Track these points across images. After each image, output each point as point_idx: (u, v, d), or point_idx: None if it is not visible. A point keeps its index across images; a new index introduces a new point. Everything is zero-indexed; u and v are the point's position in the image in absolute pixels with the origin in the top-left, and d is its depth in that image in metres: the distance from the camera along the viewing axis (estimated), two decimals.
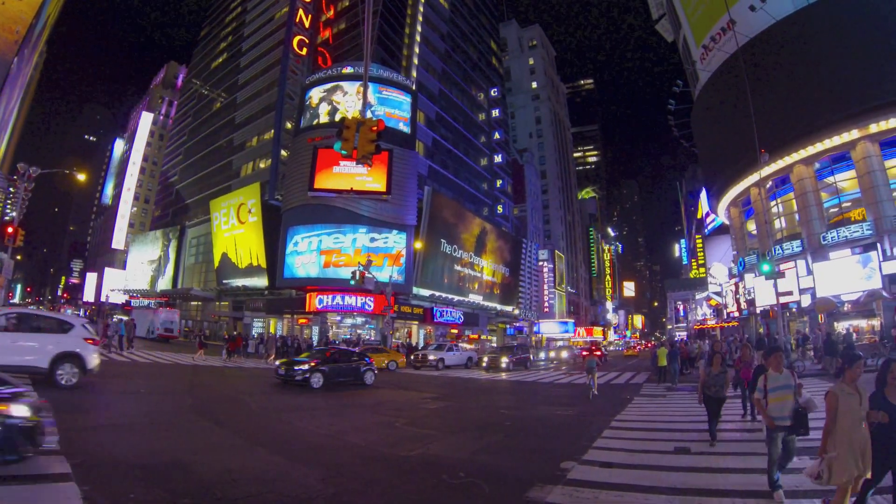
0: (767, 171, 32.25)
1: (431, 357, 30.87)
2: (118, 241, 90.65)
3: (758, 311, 36.74)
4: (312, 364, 17.71)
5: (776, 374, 6.24)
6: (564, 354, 42.86)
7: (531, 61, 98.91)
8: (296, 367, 17.64)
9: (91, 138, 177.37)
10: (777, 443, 6.05)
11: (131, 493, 5.50)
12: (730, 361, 23.68)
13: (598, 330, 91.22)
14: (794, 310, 33.04)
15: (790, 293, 31.09)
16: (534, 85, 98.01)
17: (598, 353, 36.91)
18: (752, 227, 39.47)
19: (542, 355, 42.24)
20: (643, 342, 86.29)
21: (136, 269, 71.68)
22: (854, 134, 29.01)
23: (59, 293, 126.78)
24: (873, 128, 28.30)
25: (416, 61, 52.82)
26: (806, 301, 31.36)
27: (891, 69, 27.40)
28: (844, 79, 28.72)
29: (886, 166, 28.73)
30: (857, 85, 28.30)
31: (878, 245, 27.79)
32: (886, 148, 28.76)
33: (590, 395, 17.21)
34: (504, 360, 31.38)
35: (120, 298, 71.64)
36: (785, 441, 6.13)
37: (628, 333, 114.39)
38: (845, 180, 30.92)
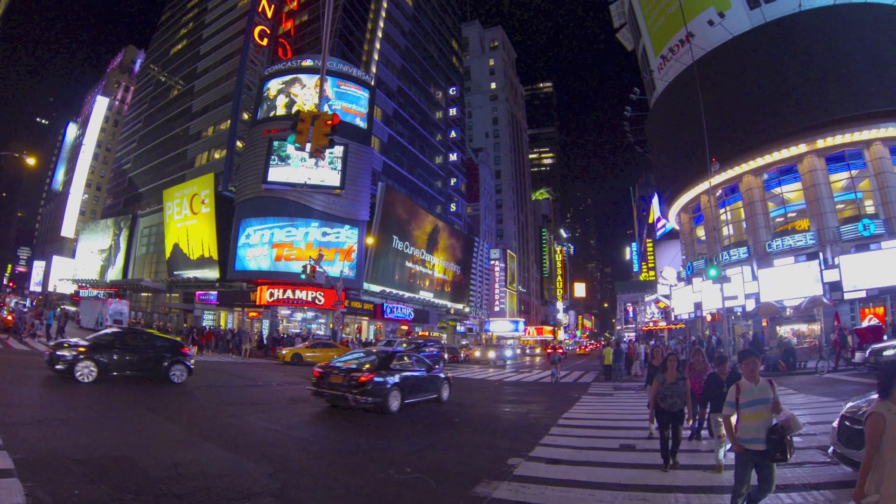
0: (718, 179, 32.55)
1: None
2: (68, 228, 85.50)
3: (705, 314, 36.97)
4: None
5: (750, 386, 5.02)
6: (491, 354, 38.36)
7: (491, 62, 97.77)
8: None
9: (43, 121, 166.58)
10: (747, 471, 4.89)
11: (75, 489, 5.19)
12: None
13: (548, 329, 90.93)
14: (738, 313, 33.27)
15: (735, 297, 31.12)
16: (493, 85, 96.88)
17: (561, 350, 42.42)
18: (701, 233, 39.66)
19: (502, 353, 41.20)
20: (593, 342, 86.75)
21: (86, 259, 67.40)
22: (802, 148, 29.61)
23: (5, 282, 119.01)
24: (820, 143, 29.10)
25: (376, 57, 51.04)
26: (750, 305, 31.63)
27: (838, 90, 28.18)
28: (795, 96, 29.31)
29: (831, 180, 29.48)
30: (806, 102, 28.92)
31: (821, 254, 28.38)
32: (831, 163, 29.57)
33: (553, 380, 21.29)
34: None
35: (69, 288, 67.47)
36: (760, 468, 4.89)
37: (578, 333, 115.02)
38: (791, 192, 31.36)
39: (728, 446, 5.77)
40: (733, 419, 5.07)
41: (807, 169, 29.59)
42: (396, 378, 11.83)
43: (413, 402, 12.57)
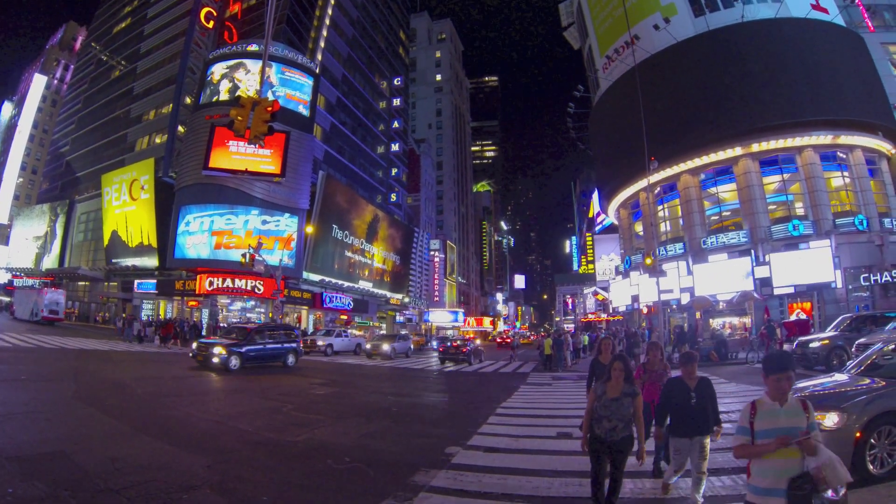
0: (656, 177, 32.10)
1: (320, 342, 28.48)
2: (1, 214, 77.57)
3: (642, 306, 36.70)
4: None
5: (773, 406, 3.11)
6: (385, 347, 28.54)
7: (438, 54, 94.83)
8: None
9: None
10: None
11: (10, 486, 4.84)
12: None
13: (488, 320, 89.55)
14: (674, 306, 33.12)
15: (671, 291, 30.71)
16: (438, 77, 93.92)
17: (510, 340, 42.96)
18: (639, 228, 39.21)
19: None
20: (533, 333, 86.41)
21: (20, 246, 61.04)
22: (737, 151, 29.52)
23: None
24: (755, 147, 29.18)
25: (322, 45, 47.79)
26: (685, 299, 31.39)
27: (774, 98, 28.18)
28: (733, 101, 29.11)
29: (764, 182, 29.68)
30: (743, 108, 28.83)
31: (752, 252, 28.64)
32: (765, 166, 29.70)
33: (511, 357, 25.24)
34: (385, 347, 28.11)
35: (2, 277, 60.97)
36: None
37: (518, 324, 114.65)
38: (727, 192, 31.25)
39: (703, 487, 5.04)
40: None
41: (742, 171, 29.47)
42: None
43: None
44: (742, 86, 28.74)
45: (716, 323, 31.04)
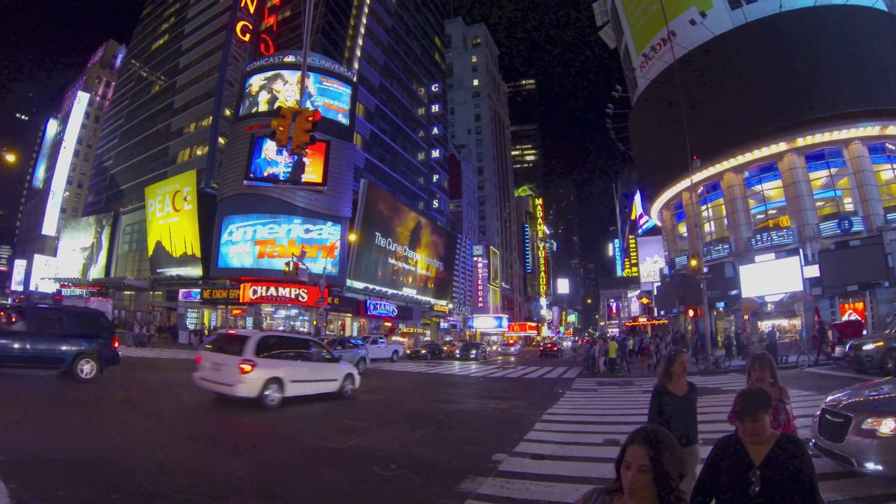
0: (699, 177, 32.38)
1: None
2: (49, 226, 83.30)
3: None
4: None
5: None
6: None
7: (474, 59, 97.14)
8: None
9: (22, 117, 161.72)
10: None
11: (59, 490, 5.10)
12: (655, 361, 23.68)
13: (531, 325, 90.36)
14: (720, 309, 33.18)
15: (717, 293, 31.08)
16: (475, 82, 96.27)
17: (555, 347, 46.38)
18: (683, 229, 39.61)
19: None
20: (577, 339, 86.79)
21: (68, 257, 65.70)
22: (782, 146, 29.71)
23: None
24: (800, 141, 29.23)
25: (359, 53, 50.30)
26: (732, 301, 31.52)
27: (818, 89, 28.25)
28: (775, 94, 29.29)
29: (810, 178, 29.66)
30: (786, 100, 28.94)
31: (801, 251, 28.57)
32: (811, 161, 29.76)
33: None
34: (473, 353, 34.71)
35: (50, 287, 65.63)
36: None
37: (562, 329, 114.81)
38: (772, 189, 31.43)
39: None
40: None
41: (787, 167, 29.69)
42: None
43: None
44: (784, 78, 28.95)
45: (764, 325, 31.11)
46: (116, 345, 13.79)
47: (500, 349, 45.43)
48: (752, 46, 30.83)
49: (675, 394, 4.25)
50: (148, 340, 32.94)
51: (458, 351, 37.40)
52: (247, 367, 10.46)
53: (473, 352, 36.67)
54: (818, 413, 6.00)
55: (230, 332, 15.02)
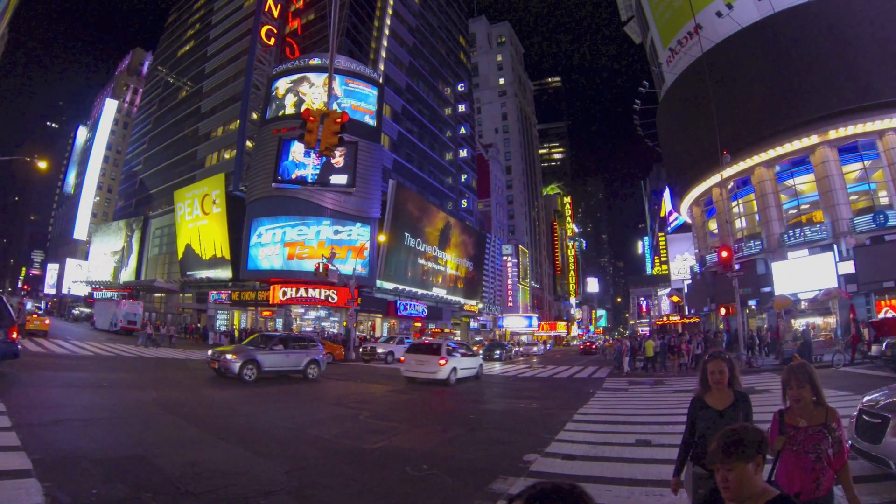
0: (729, 172, 32.45)
1: (380, 350, 29.43)
2: (80, 231, 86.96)
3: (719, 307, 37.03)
4: None
5: None
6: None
7: (499, 57, 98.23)
8: None
9: (53, 125, 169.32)
10: None
11: (94, 488, 5.26)
12: (686, 361, 24.00)
13: (561, 325, 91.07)
14: (752, 307, 33.22)
15: (749, 290, 31.19)
16: (501, 81, 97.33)
17: (593, 346, 49.72)
18: (713, 226, 39.67)
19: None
20: (607, 338, 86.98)
21: (99, 261, 68.68)
22: (813, 139, 29.65)
23: (20, 285, 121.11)
24: (832, 134, 29.10)
25: (383, 54, 51.53)
26: (765, 299, 31.58)
27: (848, 79, 28.16)
28: (805, 86, 29.30)
29: (844, 171, 29.51)
30: (817, 93, 28.89)
31: (835, 246, 28.40)
32: (844, 154, 29.58)
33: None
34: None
35: (82, 290, 68.56)
36: None
37: (592, 328, 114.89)
38: (804, 183, 31.43)
39: None
40: None
41: (819, 160, 29.66)
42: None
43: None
44: (814, 69, 28.95)
45: (798, 323, 31.00)
46: (14, 336, 13.08)
47: (523, 349, 45.77)
48: (780, 37, 30.85)
49: (713, 407, 3.53)
50: (167, 341, 34.15)
51: (482, 351, 37.91)
52: (442, 362, 17.56)
53: (498, 352, 37.00)
54: (855, 414, 5.93)
55: (426, 341, 22.06)
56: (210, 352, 17.50)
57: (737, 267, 26.19)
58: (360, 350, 30.50)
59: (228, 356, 15.91)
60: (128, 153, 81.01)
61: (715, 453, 2.06)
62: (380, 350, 29.47)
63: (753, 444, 2.04)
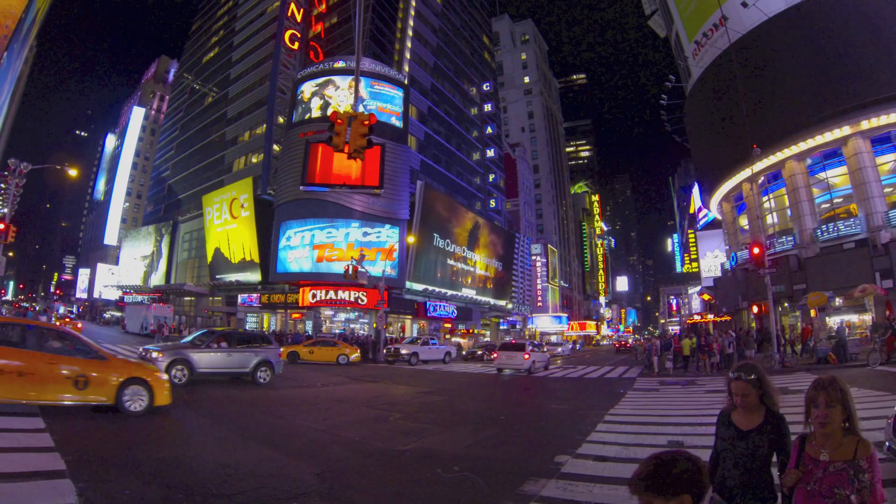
0: (759, 166, 32.34)
1: (404, 351, 29.59)
2: (111, 236, 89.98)
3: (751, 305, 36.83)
4: None
5: None
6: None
7: (523, 56, 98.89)
8: None
9: (82, 133, 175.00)
10: None
11: (126, 489, 5.40)
12: (717, 357, 23.99)
13: (591, 324, 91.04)
14: (786, 304, 32.98)
15: (782, 287, 31.06)
16: (526, 79, 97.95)
17: (627, 344, 50.65)
18: (744, 222, 39.49)
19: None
20: (638, 337, 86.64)
21: (129, 265, 71.00)
22: (845, 130, 29.29)
23: (52, 289, 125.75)
24: (864, 124, 28.67)
25: (408, 56, 52.57)
26: (798, 296, 31.37)
27: (882, 67, 27.76)
28: (836, 75, 29.00)
29: (877, 162, 29.08)
30: (848, 81, 28.58)
31: (870, 241, 27.95)
32: (877, 144, 29.13)
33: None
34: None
35: (113, 294, 71.00)
36: None
37: (621, 328, 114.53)
38: (837, 176, 31.13)
39: None
40: None
41: (851, 152, 29.31)
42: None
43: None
44: (844, 57, 28.66)
45: (832, 321, 30.75)
46: None
47: (547, 349, 45.88)
48: (808, 25, 30.60)
49: (738, 426, 3.10)
50: None
51: None
52: (527, 356, 23.82)
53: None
54: (892, 415, 5.85)
55: (513, 341, 28.68)
56: (141, 349, 15.75)
57: (768, 264, 26.32)
58: (385, 351, 30.86)
59: (154, 353, 14.21)
60: (156, 159, 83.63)
61: (636, 481, 1.72)
62: (403, 351, 29.60)
63: (680, 478, 1.67)
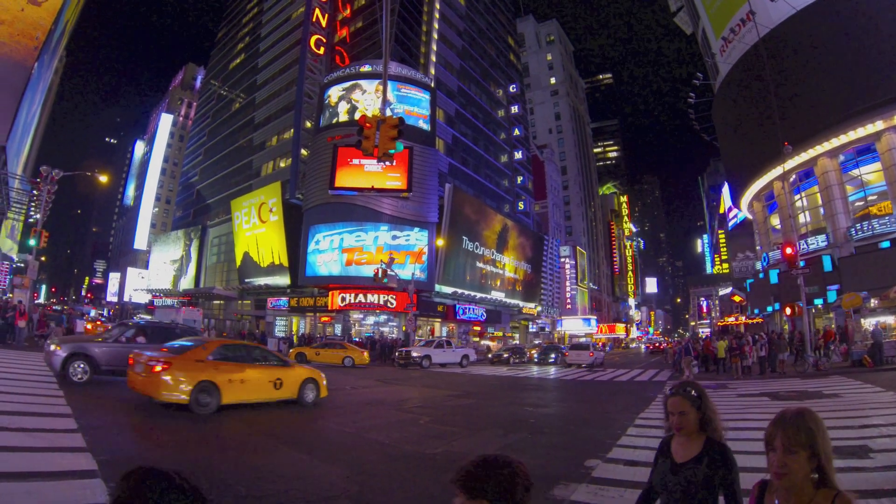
0: (791, 164, 32.22)
1: (415, 354, 28.79)
2: (140, 241, 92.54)
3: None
4: None
5: None
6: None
7: (549, 57, 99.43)
8: None
9: (112, 140, 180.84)
10: None
11: None
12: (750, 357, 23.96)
13: (620, 326, 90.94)
14: (819, 306, 32.82)
15: (815, 289, 30.95)
16: (552, 80, 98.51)
17: (661, 346, 51.00)
18: (775, 221, 39.37)
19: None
20: (668, 339, 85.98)
21: (159, 269, 72.94)
22: (879, 125, 29.10)
23: (83, 293, 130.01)
24: None
25: (433, 59, 53.50)
26: (832, 297, 31.19)
27: None
28: (868, 69, 28.79)
29: None
30: (881, 75, 28.36)
31: None
32: None
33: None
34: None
35: (143, 298, 72.98)
36: None
37: (651, 330, 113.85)
38: (870, 173, 30.98)
39: None
40: None
41: (885, 147, 29.12)
42: None
43: None
44: (875, 50, 28.49)
45: (867, 323, 30.48)
46: None
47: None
48: (837, 18, 30.46)
49: (673, 458, 2.65)
50: None
51: (536, 355, 37.14)
52: (591, 354, 32.21)
53: (553, 355, 36.28)
54: None
55: (580, 341, 31.62)
56: (49, 342, 14.19)
57: (801, 264, 26.23)
58: (396, 354, 30.03)
59: (52, 347, 12.82)
60: (184, 165, 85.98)
61: (455, 471, 1.62)
62: (415, 354, 28.86)
63: (488, 482, 1.57)
